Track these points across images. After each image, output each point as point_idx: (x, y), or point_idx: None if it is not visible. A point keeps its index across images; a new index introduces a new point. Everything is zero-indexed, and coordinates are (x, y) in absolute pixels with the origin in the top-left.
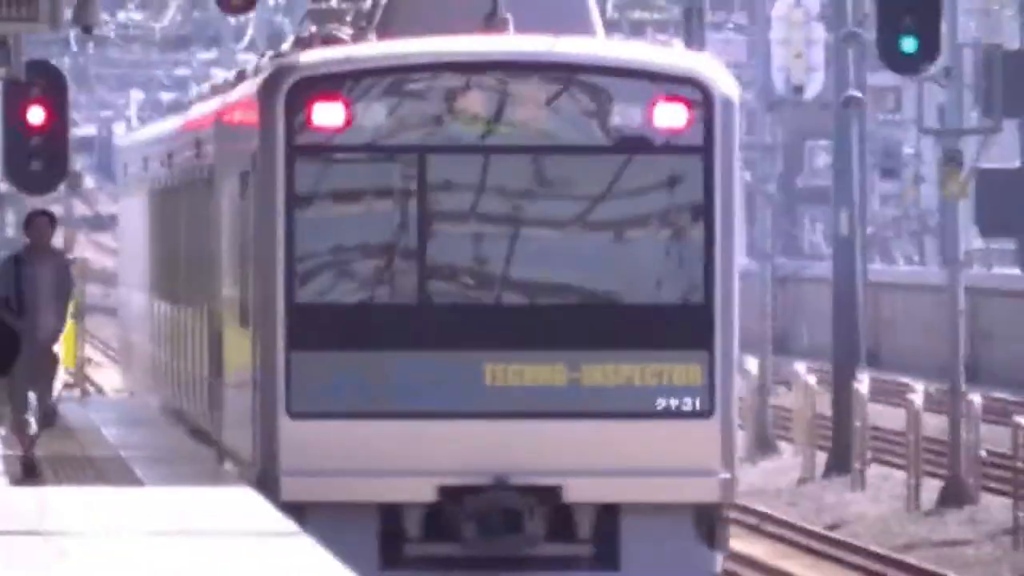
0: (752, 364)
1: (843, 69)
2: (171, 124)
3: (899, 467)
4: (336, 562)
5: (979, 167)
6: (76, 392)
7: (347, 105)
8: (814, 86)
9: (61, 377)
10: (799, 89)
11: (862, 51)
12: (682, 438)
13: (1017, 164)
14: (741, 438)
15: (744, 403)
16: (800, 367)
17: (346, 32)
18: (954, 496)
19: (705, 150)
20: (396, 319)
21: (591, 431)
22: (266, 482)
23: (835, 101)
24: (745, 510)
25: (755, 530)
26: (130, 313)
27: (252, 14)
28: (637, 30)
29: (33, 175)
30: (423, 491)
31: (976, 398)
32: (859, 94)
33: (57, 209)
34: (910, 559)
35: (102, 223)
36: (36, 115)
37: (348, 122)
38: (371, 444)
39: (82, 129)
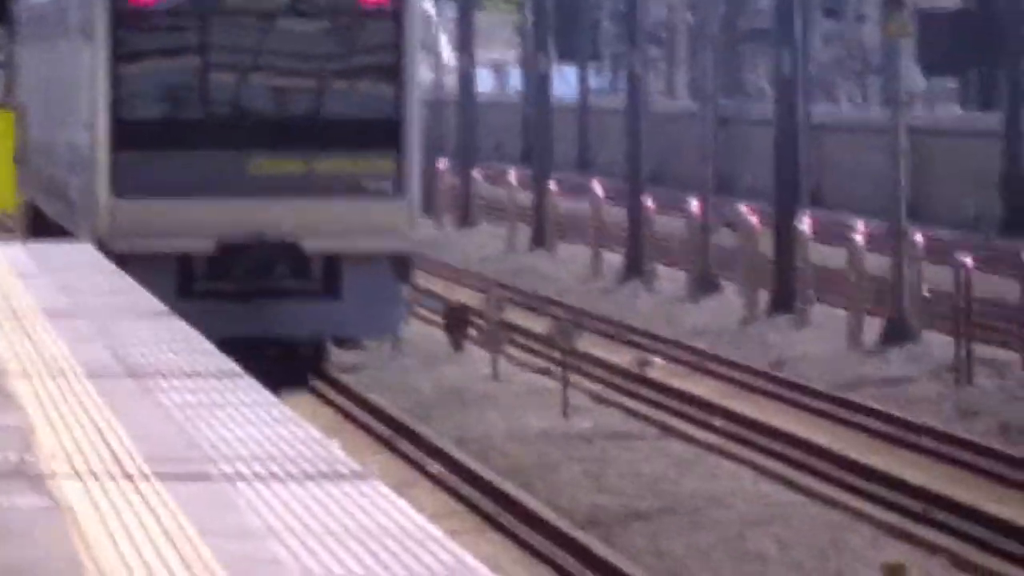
0: (694, 204)
1: None
2: None
3: (843, 307)
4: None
5: (921, 7)
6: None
7: None
8: None
9: None
10: None
11: None
12: (382, 210)
13: (959, 4)
14: (683, 277)
15: (686, 243)
16: (743, 207)
17: None
18: (897, 334)
19: (397, 12)
20: (188, 129)
21: (320, 205)
22: (100, 241)
23: None
24: (688, 349)
25: (699, 369)
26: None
27: None
28: None
29: None
30: (207, 245)
31: (918, 237)
32: None
33: None
34: (854, 397)
35: None
36: None
37: None
38: (172, 214)
39: None
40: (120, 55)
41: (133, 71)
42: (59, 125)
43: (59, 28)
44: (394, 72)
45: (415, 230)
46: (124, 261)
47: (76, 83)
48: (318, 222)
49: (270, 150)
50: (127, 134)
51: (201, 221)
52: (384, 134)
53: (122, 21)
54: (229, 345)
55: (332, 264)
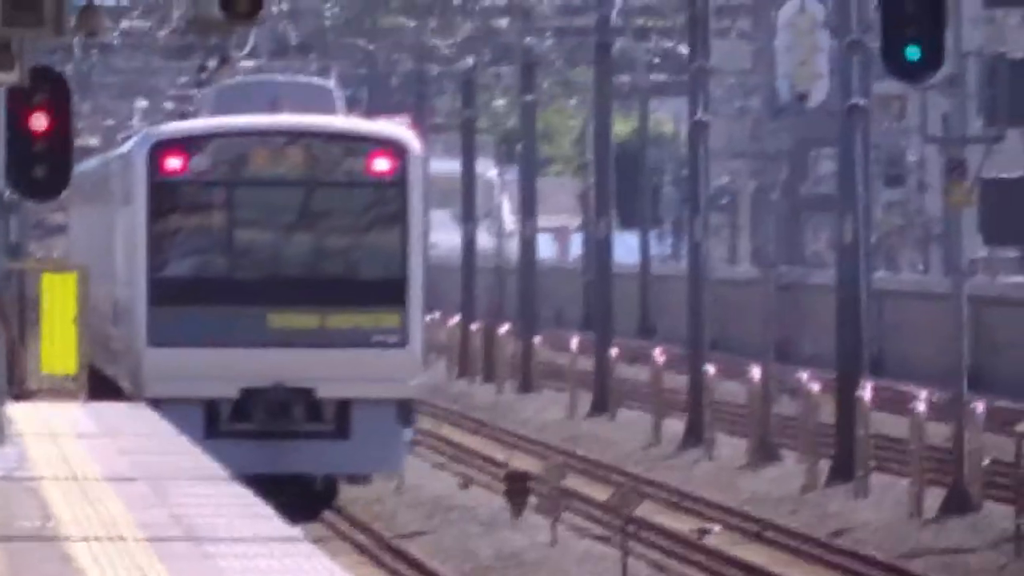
0: (755, 372)
1: (848, 77)
2: (95, 161)
3: (902, 475)
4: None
5: (984, 176)
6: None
7: (184, 156)
8: (819, 94)
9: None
10: (803, 97)
11: (867, 59)
12: (388, 359)
13: (1021, 173)
14: (744, 445)
15: (746, 410)
16: (803, 375)
17: (190, 111)
18: (957, 504)
19: (401, 184)
20: (214, 286)
21: (333, 355)
22: (137, 386)
23: (840, 109)
24: (747, 518)
25: (757, 537)
26: None
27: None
28: (642, 36)
29: (36, 182)
30: (231, 391)
31: (979, 406)
32: (863, 102)
33: (60, 217)
34: (914, 567)
35: None
36: (39, 121)
37: (184, 167)
38: (199, 362)
39: (87, 139)
40: (155, 220)
41: (166, 234)
42: (104, 282)
43: (102, 193)
44: (399, 235)
45: (418, 378)
46: (158, 404)
47: (117, 244)
48: (330, 370)
49: (287, 306)
50: (161, 290)
51: (226, 369)
52: (390, 291)
53: (157, 189)
54: (249, 481)
55: (343, 408)
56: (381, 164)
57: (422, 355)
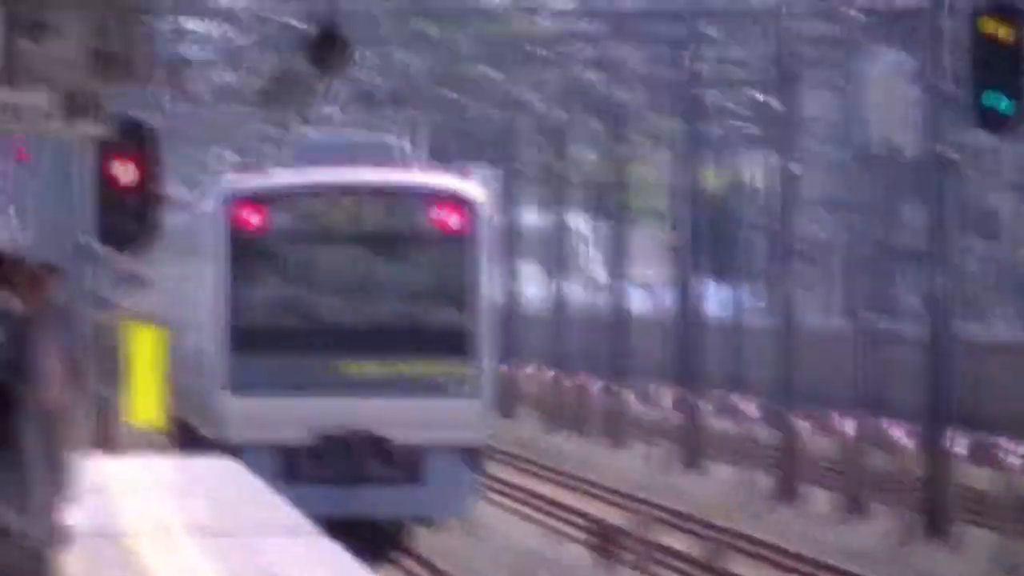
0: (846, 425)
1: (937, 128)
2: (176, 214)
3: (994, 528)
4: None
5: None
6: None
7: (263, 211)
8: (908, 145)
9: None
10: (895, 148)
11: (958, 110)
12: (459, 408)
13: None
14: (833, 497)
15: (837, 464)
16: (895, 430)
17: (268, 166)
18: None
19: (468, 238)
20: (292, 337)
21: (406, 403)
22: (219, 432)
23: (930, 160)
24: (838, 571)
25: None
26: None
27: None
28: (731, 87)
29: (126, 234)
30: (308, 437)
31: None
32: (953, 154)
33: (132, 267)
34: None
35: None
36: (128, 173)
37: (261, 221)
38: (278, 409)
39: (175, 188)
40: (234, 272)
41: (245, 285)
42: (185, 332)
43: (183, 245)
44: (469, 289)
45: (486, 425)
46: (237, 450)
47: (199, 295)
48: (402, 418)
49: (361, 356)
50: (241, 340)
51: (303, 416)
52: (459, 342)
53: (235, 242)
54: (326, 525)
55: (414, 454)
56: (449, 218)
57: (491, 403)
